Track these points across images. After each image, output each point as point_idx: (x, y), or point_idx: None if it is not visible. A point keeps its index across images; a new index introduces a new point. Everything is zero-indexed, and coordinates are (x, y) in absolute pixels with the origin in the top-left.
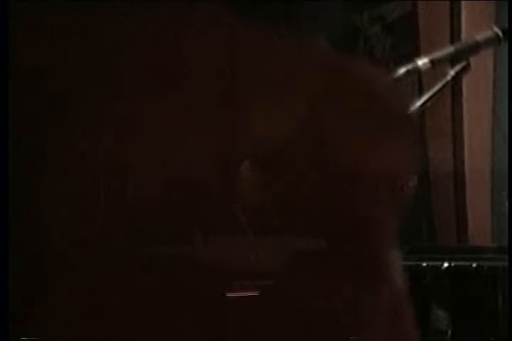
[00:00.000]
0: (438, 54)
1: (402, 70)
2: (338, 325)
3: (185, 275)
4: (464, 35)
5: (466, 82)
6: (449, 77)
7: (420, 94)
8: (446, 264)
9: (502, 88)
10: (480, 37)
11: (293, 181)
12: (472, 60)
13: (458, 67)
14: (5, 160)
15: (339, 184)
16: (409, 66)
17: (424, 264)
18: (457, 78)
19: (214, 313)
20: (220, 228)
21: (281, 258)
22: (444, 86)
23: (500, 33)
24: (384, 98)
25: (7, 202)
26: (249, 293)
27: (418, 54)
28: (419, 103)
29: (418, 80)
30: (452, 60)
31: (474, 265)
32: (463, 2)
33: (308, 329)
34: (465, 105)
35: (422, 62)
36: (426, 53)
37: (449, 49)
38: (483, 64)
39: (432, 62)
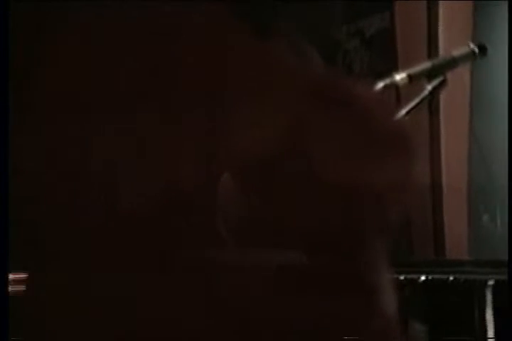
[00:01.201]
0: (415, 69)
1: (380, 85)
2: None
3: (167, 286)
4: (441, 51)
5: (443, 96)
6: (426, 92)
7: (398, 108)
8: (423, 277)
9: (478, 103)
10: (456, 53)
11: (275, 194)
12: (449, 75)
13: (435, 82)
14: (5, 161)
15: (322, 198)
16: (387, 81)
17: (402, 277)
18: (434, 93)
19: (195, 329)
20: (202, 240)
21: (263, 271)
22: (421, 101)
23: (476, 49)
24: (373, 110)
25: (7, 202)
26: (232, 306)
27: (396, 69)
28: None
29: (396, 95)
30: (429, 75)
31: (451, 278)
32: (440, 18)
33: None
34: (442, 119)
35: (399, 76)
36: (403, 68)
37: (427, 64)
38: (459, 79)
39: (410, 77)
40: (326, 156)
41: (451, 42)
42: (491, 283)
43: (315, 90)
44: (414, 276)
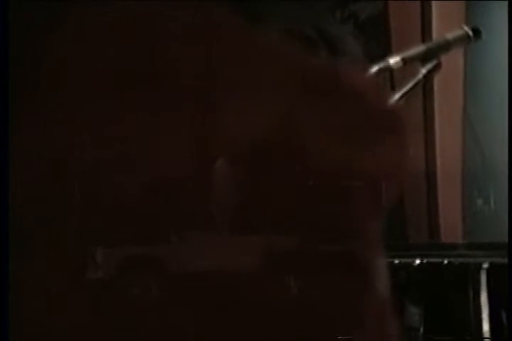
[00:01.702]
0: (409, 52)
1: (374, 69)
2: (320, 332)
3: (161, 275)
4: (435, 34)
5: (437, 80)
6: (420, 76)
7: (392, 92)
8: (418, 261)
9: (472, 86)
10: (450, 36)
11: (269, 180)
12: (443, 58)
13: (429, 66)
14: (5, 161)
15: (317, 183)
16: (381, 64)
17: (397, 261)
18: (428, 76)
19: (190, 313)
20: (197, 228)
21: (258, 258)
22: (415, 84)
23: (470, 32)
24: (365, 96)
25: (7, 201)
26: (225, 294)
27: (390, 53)
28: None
29: (390, 79)
30: (423, 58)
31: (446, 262)
32: (434, 1)
33: (284, 332)
34: (436, 103)
35: (393, 60)
36: (398, 52)
37: (420, 48)
38: (453, 62)
39: (404, 60)
40: (319, 142)
41: (445, 26)
42: (485, 266)
43: (307, 77)
44: (409, 260)
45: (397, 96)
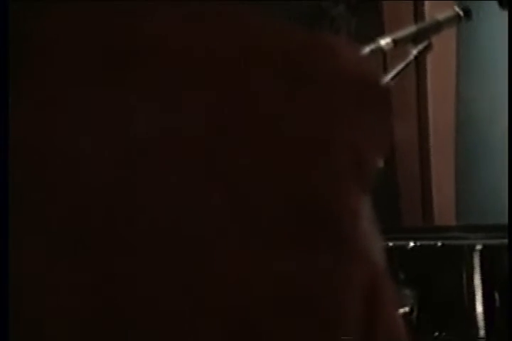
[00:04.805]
0: (400, 33)
1: (365, 50)
2: (307, 303)
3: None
4: (427, 15)
5: (430, 61)
6: (411, 57)
7: (384, 73)
8: (411, 244)
9: (464, 66)
10: (441, 16)
11: (246, 157)
12: (436, 39)
13: (420, 47)
14: (4, 161)
15: (294, 158)
16: (373, 46)
17: (391, 244)
18: (420, 57)
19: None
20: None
21: (238, 232)
22: (406, 65)
23: (460, 13)
24: (346, 68)
25: (7, 200)
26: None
27: (383, 34)
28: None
29: (382, 60)
30: (415, 39)
31: (439, 244)
32: None
33: (264, 306)
34: (429, 84)
35: (384, 41)
36: (390, 33)
37: (411, 28)
38: (446, 44)
39: (395, 41)
40: (302, 117)
41: (438, 7)
42: (478, 247)
43: (286, 62)
44: (403, 243)
45: (388, 77)
